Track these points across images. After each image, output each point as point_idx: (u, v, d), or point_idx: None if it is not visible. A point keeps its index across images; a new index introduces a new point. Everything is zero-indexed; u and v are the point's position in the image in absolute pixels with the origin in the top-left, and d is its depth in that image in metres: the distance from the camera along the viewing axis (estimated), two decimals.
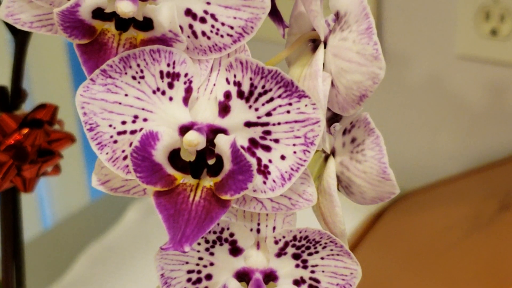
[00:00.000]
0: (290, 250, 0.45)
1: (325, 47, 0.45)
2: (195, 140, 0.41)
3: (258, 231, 0.46)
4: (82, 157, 1.55)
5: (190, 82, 0.43)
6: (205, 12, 0.42)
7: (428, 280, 0.89)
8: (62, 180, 1.51)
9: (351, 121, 0.46)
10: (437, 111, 1.13)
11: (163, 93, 0.43)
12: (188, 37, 0.43)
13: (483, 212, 0.97)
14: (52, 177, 1.06)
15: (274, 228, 0.46)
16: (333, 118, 0.48)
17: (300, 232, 0.45)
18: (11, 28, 0.60)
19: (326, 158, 0.48)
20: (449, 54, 1.09)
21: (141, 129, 0.43)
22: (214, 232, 0.45)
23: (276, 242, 0.45)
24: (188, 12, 0.42)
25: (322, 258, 0.45)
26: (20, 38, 0.60)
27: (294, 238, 0.45)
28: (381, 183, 0.44)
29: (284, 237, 0.45)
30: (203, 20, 0.42)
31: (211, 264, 0.46)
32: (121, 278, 1.08)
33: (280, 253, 0.45)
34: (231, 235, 0.45)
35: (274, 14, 0.49)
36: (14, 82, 0.62)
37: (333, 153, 0.47)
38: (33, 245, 1.23)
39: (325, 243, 0.45)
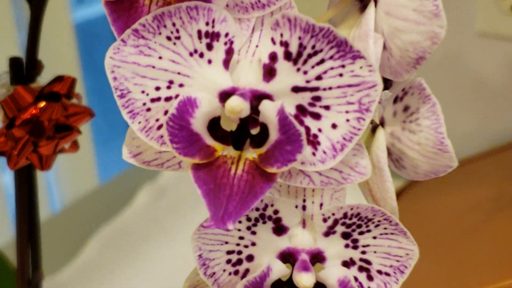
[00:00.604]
0: (340, 229, 0.42)
1: (375, 5, 0.41)
2: (239, 106, 0.37)
3: (304, 208, 0.42)
4: (90, 138, 1.52)
5: (231, 43, 0.39)
6: None
7: (449, 262, 0.86)
8: (71, 162, 1.49)
9: (403, 87, 0.42)
10: (456, 90, 1.11)
11: (201, 55, 0.39)
12: None
13: (505, 193, 0.95)
14: (60, 159, 1.05)
15: (321, 204, 0.42)
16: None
17: (352, 209, 0.41)
18: None
19: (374, 129, 0.44)
20: (469, 31, 1.07)
21: (176, 96, 0.39)
22: (257, 209, 0.41)
23: (325, 220, 0.41)
24: None
25: (374, 238, 0.42)
26: (35, 6, 0.57)
27: (345, 215, 0.41)
28: (438, 155, 0.41)
29: (333, 214, 0.41)
30: None
31: (253, 244, 0.42)
32: (132, 261, 1.06)
33: (329, 232, 0.42)
34: (275, 212, 0.41)
35: None
36: (29, 53, 0.58)
37: (382, 123, 0.44)
38: (42, 229, 1.22)
39: (379, 221, 0.41)
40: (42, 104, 0.57)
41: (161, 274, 1.01)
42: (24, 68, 0.59)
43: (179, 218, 1.10)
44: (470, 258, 0.85)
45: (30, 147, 0.58)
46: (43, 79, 0.60)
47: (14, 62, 0.58)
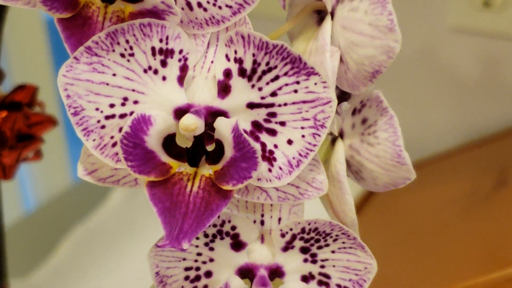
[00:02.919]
0: (298, 244, 0.42)
1: (332, 19, 0.41)
2: (193, 124, 0.37)
3: (262, 223, 0.42)
4: (64, 138, 1.52)
5: (186, 59, 0.38)
6: None
7: (425, 258, 0.87)
8: (44, 162, 1.48)
9: (361, 99, 0.42)
10: (429, 84, 1.11)
11: (156, 72, 0.38)
12: (182, 9, 0.39)
13: (479, 189, 0.95)
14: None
15: (279, 219, 0.42)
16: (340, 97, 0.44)
17: (309, 224, 0.41)
18: None
19: (333, 141, 0.44)
20: (441, 26, 1.07)
21: (131, 113, 0.39)
22: (214, 226, 0.41)
23: (283, 235, 0.41)
24: None
25: (333, 252, 0.42)
26: None
27: (303, 230, 0.41)
28: (396, 167, 0.41)
29: (291, 229, 0.41)
30: None
31: (211, 260, 0.42)
32: (107, 260, 1.05)
33: (287, 247, 0.42)
34: (233, 228, 0.41)
35: None
36: None
37: (341, 135, 0.44)
38: (15, 229, 1.21)
39: (337, 235, 0.41)
40: (4, 113, 0.57)
41: (135, 273, 1.01)
42: None
43: (154, 217, 1.09)
44: (446, 253, 0.85)
45: None
46: (15, 76, 0.59)
47: None
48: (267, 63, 0.38)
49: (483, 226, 0.87)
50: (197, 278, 0.42)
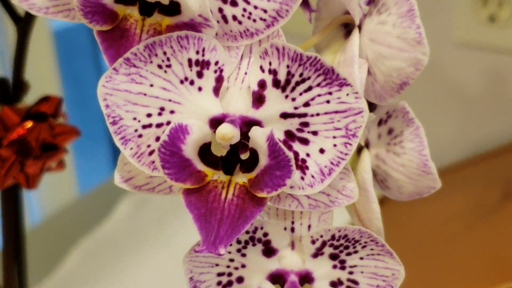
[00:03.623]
0: (328, 250, 0.43)
1: (360, 32, 0.42)
2: (230, 133, 0.38)
3: (293, 230, 0.43)
4: (70, 149, 1.52)
5: (221, 70, 0.40)
6: None
7: (430, 270, 0.87)
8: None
9: (387, 110, 0.44)
10: (435, 99, 1.12)
11: (192, 83, 0.40)
12: (218, 22, 0.40)
13: (484, 202, 0.95)
14: None
15: (309, 226, 0.43)
16: None
17: (339, 231, 0.42)
18: (13, 16, 0.56)
19: (359, 151, 0.45)
20: (447, 41, 1.07)
21: (168, 122, 0.40)
22: (247, 232, 0.42)
23: (313, 242, 0.42)
24: None
25: (361, 258, 0.43)
26: (22, 27, 0.57)
27: (333, 237, 0.42)
28: (421, 177, 0.42)
29: (321, 236, 0.42)
30: (234, 3, 0.39)
31: (243, 266, 0.43)
32: (113, 272, 1.05)
33: (317, 253, 0.43)
34: (265, 235, 0.42)
35: None
36: (16, 73, 0.59)
37: (367, 145, 0.45)
38: None
39: (365, 242, 0.42)
40: (29, 124, 0.58)
41: (142, 285, 1.01)
42: (11, 89, 0.59)
43: (160, 229, 1.10)
44: (451, 265, 0.85)
45: (17, 167, 0.58)
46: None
47: (0, 83, 0.59)
48: (301, 74, 0.39)
49: (489, 238, 0.88)
50: (229, 283, 0.43)
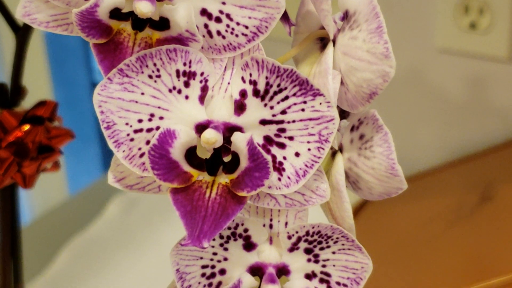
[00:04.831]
0: (303, 245, 0.46)
1: (334, 46, 0.46)
2: (213, 138, 0.42)
3: (271, 226, 0.47)
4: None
5: (206, 81, 0.43)
6: (221, 12, 0.43)
7: (411, 269, 0.90)
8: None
9: (359, 118, 0.47)
10: (417, 104, 1.14)
11: (179, 91, 0.43)
12: (203, 36, 0.43)
13: (464, 204, 0.98)
14: None
15: (286, 223, 0.47)
16: (340, 115, 0.48)
17: (313, 228, 0.46)
18: (12, 25, 0.60)
19: (334, 154, 0.48)
20: (429, 47, 1.09)
21: (157, 127, 0.43)
22: (229, 228, 0.46)
23: (289, 237, 0.46)
24: (204, 12, 0.43)
25: (333, 253, 0.46)
26: (21, 36, 0.61)
27: (307, 233, 0.46)
28: (389, 179, 0.45)
29: (297, 232, 0.46)
30: (218, 20, 0.43)
31: (225, 259, 0.47)
32: (103, 273, 1.07)
33: (293, 248, 0.46)
34: (245, 230, 0.46)
35: None
36: (14, 79, 0.62)
37: (340, 149, 0.48)
38: None
39: (337, 238, 0.46)
40: (27, 127, 0.61)
41: (132, 283, 1.03)
42: (9, 94, 0.62)
43: (150, 229, 1.12)
44: (432, 265, 0.87)
45: (14, 168, 0.62)
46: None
47: (0, 88, 0.62)
48: (278, 85, 0.43)
49: (468, 239, 0.89)
50: (212, 275, 0.47)
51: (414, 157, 1.17)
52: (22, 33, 0.60)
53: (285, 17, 0.50)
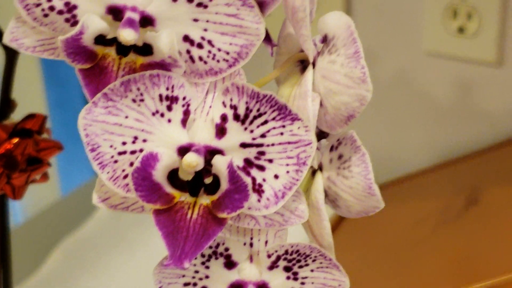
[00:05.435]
0: (282, 263, 0.48)
1: (314, 68, 0.47)
2: (194, 161, 0.43)
3: (251, 245, 0.48)
4: None
5: (188, 105, 0.44)
6: (202, 38, 0.44)
7: (398, 274, 0.90)
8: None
9: (338, 138, 0.48)
10: (405, 107, 1.14)
11: (162, 115, 0.44)
12: (186, 61, 0.45)
13: (451, 207, 0.98)
14: None
15: (266, 242, 0.48)
16: (320, 135, 0.50)
17: (292, 247, 0.47)
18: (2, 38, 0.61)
19: (314, 173, 0.50)
20: (417, 51, 1.10)
21: (141, 150, 0.44)
22: (210, 247, 0.47)
23: (269, 256, 0.47)
24: (186, 38, 0.44)
25: (312, 271, 0.48)
26: (11, 52, 0.62)
27: (286, 252, 0.47)
28: (367, 198, 0.47)
29: (276, 251, 0.47)
30: (200, 46, 0.44)
31: (207, 277, 0.48)
32: (95, 273, 1.08)
33: (272, 266, 0.48)
34: (226, 249, 0.47)
35: None
36: (4, 93, 0.63)
37: (320, 168, 0.49)
38: None
39: (315, 257, 0.47)
40: (16, 140, 0.62)
41: (123, 284, 1.04)
42: None
43: (140, 230, 1.12)
44: (418, 269, 0.88)
45: (4, 179, 0.63)
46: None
47: None
48: (258, 110, 0.44)
49: (455, 242, 0.90)
50: None
51: (402, 159, 1.17)
52: (12, 50, 0.61)
53: (267, 38, 0.51)
